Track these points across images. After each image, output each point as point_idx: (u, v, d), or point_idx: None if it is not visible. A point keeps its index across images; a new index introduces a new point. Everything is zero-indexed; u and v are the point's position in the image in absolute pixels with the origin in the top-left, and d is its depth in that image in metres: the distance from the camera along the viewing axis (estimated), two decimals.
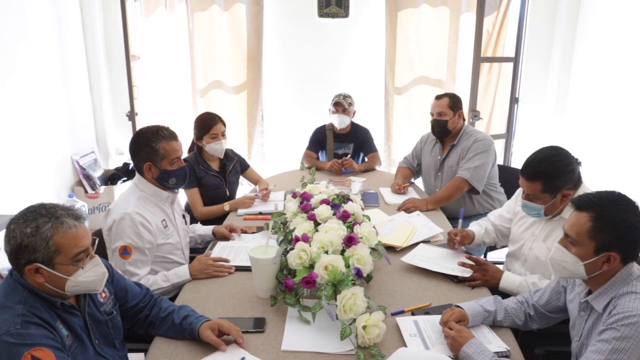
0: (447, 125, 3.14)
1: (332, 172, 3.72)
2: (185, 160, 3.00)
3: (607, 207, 1.45)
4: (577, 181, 1.98)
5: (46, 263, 1.36)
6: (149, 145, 2.13)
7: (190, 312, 1.72)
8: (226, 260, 2.22)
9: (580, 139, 4.30)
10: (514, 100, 4.63)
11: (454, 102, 3.16)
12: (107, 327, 1.58)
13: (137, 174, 2.22)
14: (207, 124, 3.02)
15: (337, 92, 3.82)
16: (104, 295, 1.60)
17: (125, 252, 2.03)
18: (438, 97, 3.21)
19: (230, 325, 1.63)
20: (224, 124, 3.08)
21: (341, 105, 3.75)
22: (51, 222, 1.37)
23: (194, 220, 2.93)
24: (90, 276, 1.43)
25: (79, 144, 4.44)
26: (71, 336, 1.41)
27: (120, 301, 1.68)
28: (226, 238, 2.55)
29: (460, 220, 2.40)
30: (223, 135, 3.06)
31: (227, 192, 3.19)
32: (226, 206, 3.00)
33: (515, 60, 4.51)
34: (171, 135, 2.19)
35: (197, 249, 2.56)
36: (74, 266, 1.40)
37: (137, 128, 4.33)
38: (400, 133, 5.06)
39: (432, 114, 3.21)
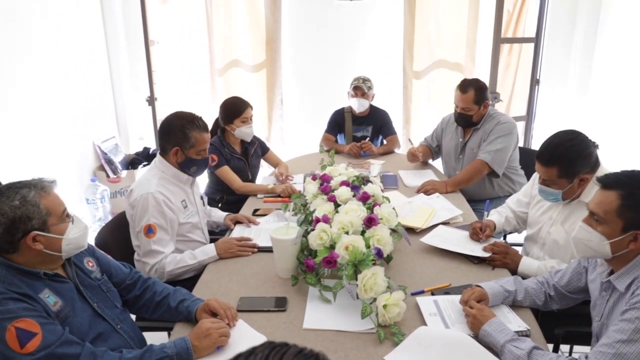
0: (472, 118, 3.06)
1: (350, 155, 3.72)
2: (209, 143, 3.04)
3: (637, 185, 1.44)
4: (595, 164, 1.94)
5: (41, 228, 1.42)
6: (182, 131, 2.17)
7: (187, 295, 1.75)
8: (249, 239, 2.25)
9: (602, 121, 4.22)
10: (534, 81, 4.55)
11: (480, 96, 2.99)
12: (102, 291, 1.63)
13: (158, 155, 2.25)
14: (240, 108, 3.05)
15: (356, 76, 3.80)
16: (90, 264, 1.64)
17: (150, 230, 2.07)
18: (463, 90, 3.01)
19: (218, 305, 1.64)
20: (251, 109, 3.12)
21: (360, 89, 3.73)
22: (33, 190, 1.42)
23: (231, 195, 3.07)
24: (77, 232, 1.51)
25: (100, 129, 4.50)
26: (61, 302, 1.44)
27: (106, 274, 1.70)
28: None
29: (485, 213, 2.35)
30: (251, 119, 3.10)
31: (250, 175, 3.22)
32: (270, 186, 3.00)
33: (536, 41, 4.43)
34: (204, 127, 2.24)
35: (213, 233, 2.59)
36: (65, 223, 1.48)
37: (157, 113, 4.38)
38: (419, 116, 5.02)
39: (456, 105, 3.10)
